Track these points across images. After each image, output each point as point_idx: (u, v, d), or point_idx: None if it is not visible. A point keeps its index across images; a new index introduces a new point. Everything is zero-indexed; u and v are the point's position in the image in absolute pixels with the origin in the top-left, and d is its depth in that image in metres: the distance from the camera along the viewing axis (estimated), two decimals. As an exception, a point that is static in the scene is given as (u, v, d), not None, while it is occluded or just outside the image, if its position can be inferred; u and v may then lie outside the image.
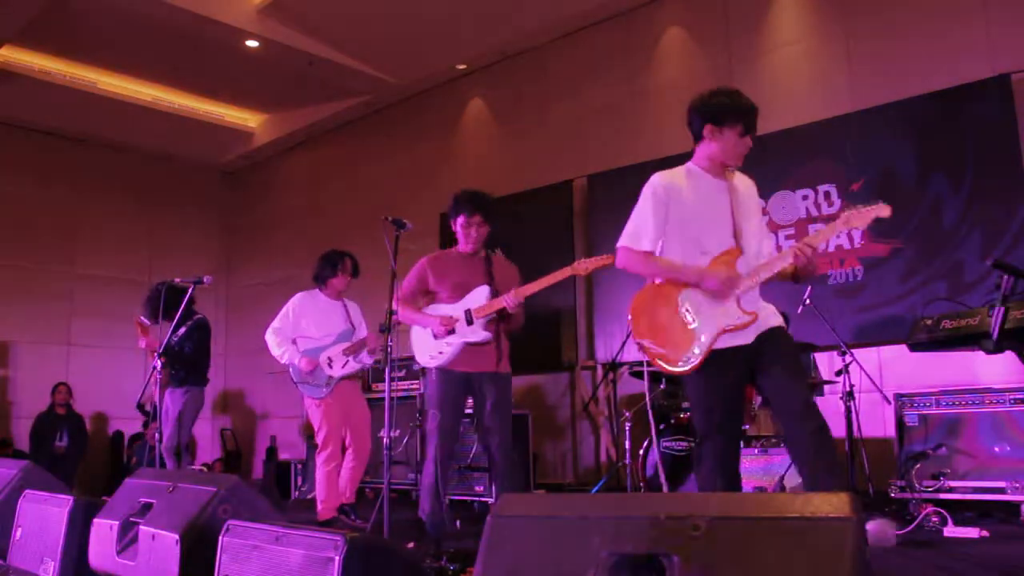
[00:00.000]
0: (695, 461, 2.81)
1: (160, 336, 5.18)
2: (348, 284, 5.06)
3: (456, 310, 3.90)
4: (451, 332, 3.84)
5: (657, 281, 2.87)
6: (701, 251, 2.82)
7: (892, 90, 5.37)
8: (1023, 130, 4.91)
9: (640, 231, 2.86)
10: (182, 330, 5.28)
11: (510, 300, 3.75)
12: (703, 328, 2.73)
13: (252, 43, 7.42)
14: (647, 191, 2.88)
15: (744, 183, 2.96)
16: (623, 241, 2.88)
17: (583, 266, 3.81)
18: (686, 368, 2.72)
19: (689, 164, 2.93)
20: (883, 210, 2.68)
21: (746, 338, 2.74)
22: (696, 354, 2.70)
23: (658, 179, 2.88)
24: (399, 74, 8.11)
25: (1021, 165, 4.84)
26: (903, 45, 5.47)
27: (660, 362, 2.78)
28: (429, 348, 3.92)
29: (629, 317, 2.84)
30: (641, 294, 2.89)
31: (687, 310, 2.76)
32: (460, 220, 3.95)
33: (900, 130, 5.30)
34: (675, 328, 2.76)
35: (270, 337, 4.93)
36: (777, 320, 2.83)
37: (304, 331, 4.92)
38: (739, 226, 2.86)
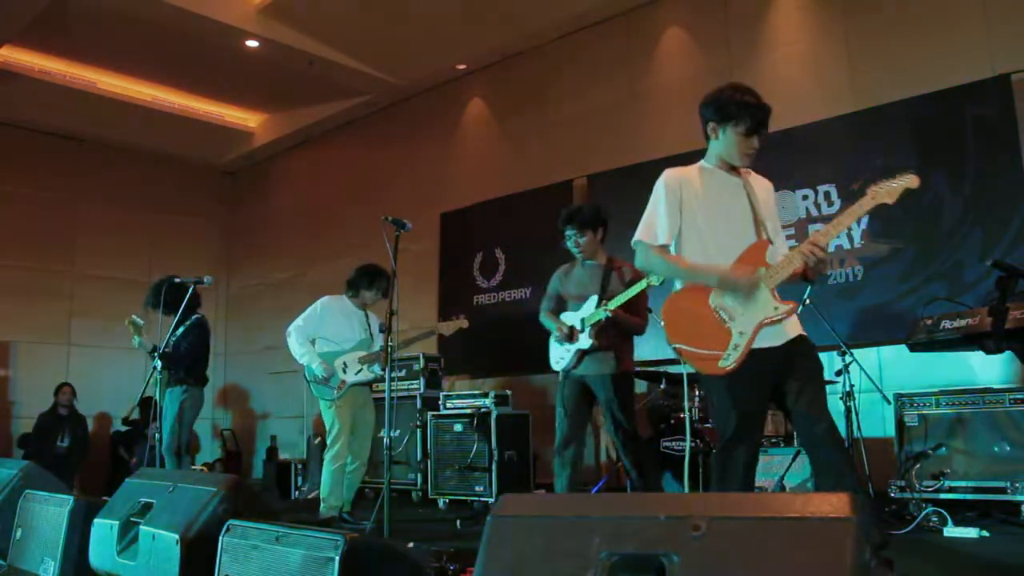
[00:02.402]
0: (717, 466, 2.68)
1: (158, 335, 5.20)
2: (376, 301, 5.19)
3: (575, 318, 4.21)
4: (570, 339, 4.16)
5: (679, 284, 2.80)
6: (718, 249, 2.73)
7: (892, 90, 5.37)
8: (1023, 130, 4.91)
9: (654, 224, 2.79)
10: (180, 329, 5.30)
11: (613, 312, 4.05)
12: (740, 324, 2.63)
13: (252, 43, 7.42)
14: (659, 185, 2.81)
15: (760, 184, 2.88)
16: (638, 235, 2.80)
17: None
18: (727, 367, 2.59)
19: (701, 162, 2.87)
20: (912, 180, 2.56)
21: (776, 339, 2.66)
22: (736, 352, 2.60)
23: (669, 173, 2.82)
24: (399, 74, 8.11)
25: (1021, 165, 4.84)
26: (903, 45, 5.46)
27: (698, 365, 2.68)
28: (555, 354, 4.30)
29: (662, 322, 2.75)
30: (672, 298, 2.80)
31: (721, 308, 2.66)
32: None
33: (900, 130, 5.30)
34: (711, 328, 2.65)
35: (292, 334, 5.02)
36: (801, 328, 2.75)
37: (325, 333, 5.03)
38: (762, 220, 2.77)
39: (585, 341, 4.11)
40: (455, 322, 5.03)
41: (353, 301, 5.15)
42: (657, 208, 2.80)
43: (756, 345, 2.61)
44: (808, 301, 4.59)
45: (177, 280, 5.21)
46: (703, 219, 2.75)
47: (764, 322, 2.62)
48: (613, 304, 4.04)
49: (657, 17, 6.79)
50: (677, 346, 2.70)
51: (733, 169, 2.82)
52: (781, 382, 2.66)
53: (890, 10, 5.56)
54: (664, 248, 2.78)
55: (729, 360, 2.60)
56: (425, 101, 8.53)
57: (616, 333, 4.12)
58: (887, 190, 2.57)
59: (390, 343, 4.17)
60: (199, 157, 10.24)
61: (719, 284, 2.67)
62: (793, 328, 2.70)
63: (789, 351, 2.66)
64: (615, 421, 4.09)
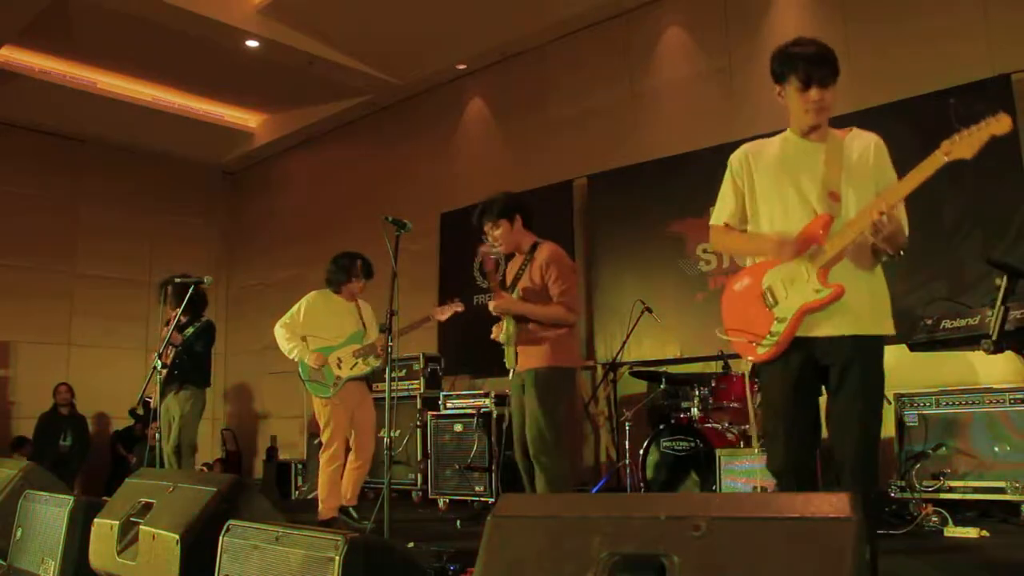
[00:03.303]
0: (769, 467, 2.52)
1: (161, 335, 5.21)
2: (363, 287, 5.08)
3: None
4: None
5: (747, 265, 2.65)
6: (782, 225, 2.50)
7: (892, 90, 5.37)
8: (1023, 130, 4.91)
9: (718, 205, 2.68)
10: (190, 330, 5.31)
11: (492, 304, 3.82)
12: (781, 310, 2.43)
13: (252, 43, 7.42)
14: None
15: (857, 144, 2.56)
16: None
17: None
18: (764, 354, 2.44)
19: (786, 130, 2.64)
20: (1002, 122, 2.20)
21: (822, 329, 2.40)
22: (773, 338, 2.41)
23: (738, 149, 2.67)
24: (399, 74, 8.11)
25: (1021, 165, 4.84)
26: (903, 45, 5.46)
27: (740, 351, 2.57)
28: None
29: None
30: (728, 283, 2.67)
31: (768, 291, 2.48)
32: None
33: (900, 130, 5.28)
34: (756, 314, 2.49)
35: (279, 331, 4.94)
36: (865, 326, 2.43)
37: (315, 330, 4.93)
38: (834, 188, 2.45)
39: (506, 333, 3.82)
40: (450, 306, 4.93)
41: (341, 295, 5.04)
42: (723, 187, 2.69)
43: (805, 333, 2.40)
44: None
45: (178, 280, 5.22)
46: (772, 192, 2.56)
47: (805, 308, 2.39)
48: (516, 291, 3.78)
49: (657, 17, 6.78)
50: (726, 335, 2.59)
51: (814, 131, 2.56)
52: (827, 382, 2.45)
53: (890, 10, 5.56)
54: (723, 227, 2.66)
55: (765, 348, 2.43)
56: (425, 101, 8.53)
57: (544, 324, 3.76)
58: (967, 141, 2.26)
59: (389, 343, 4.16)
60: (199, 157, 10.24)
61: (762, 249, 2.54)
62: (856, 324, 2.42)
63: (839, 348, 2.40)
64: (530, 424, 3.62)
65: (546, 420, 3.58)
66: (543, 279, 3.76)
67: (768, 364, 2.47)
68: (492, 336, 3.92)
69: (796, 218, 2.48)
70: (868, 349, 2.44)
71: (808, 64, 2.50)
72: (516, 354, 3.78)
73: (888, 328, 2.50)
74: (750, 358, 2.55)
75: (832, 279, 2.42)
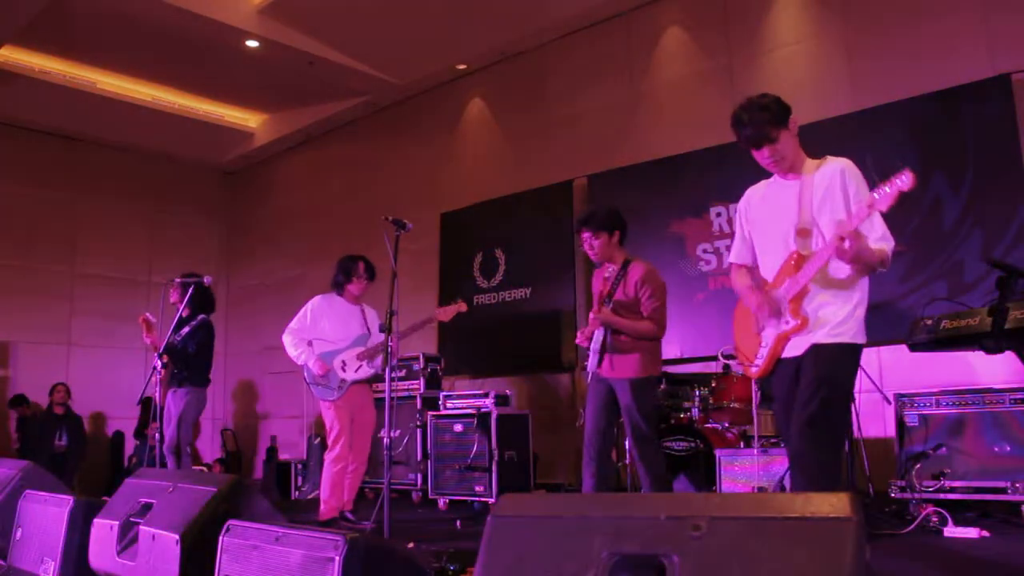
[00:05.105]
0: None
1: (162, 335, 5.22)
2: (365, 289, 5.10)
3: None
4: (590, 340, 4.11)
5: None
6: (766, 264, 2.90)
7: (892, 90, 5.37)
8: (1023, 130, 4.91)
9: (732, 245, 3.07)
10: (185, 329, 5.31)
11: (593, 316, 4.06)
12: (766, 336, 2.81)
13: (252, 43, 7.42)
14: None
15: (824, 174, 2.75)
16: None
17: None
18: (756, 373, 2.85)
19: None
20: (904, 181, 2.44)
21: (797, 349, 2.72)
22: (760, 361, 2.81)
23: (746, 193, 3.01)
24: (399, 74, 8.11)
25: (1021, 165, 4.84)
26: (903, 45, 5.47)
27: (744, 370, 2.99)
28: (591, 355, 4.20)
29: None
30: (737, 304, 3.04)
31: (760, 318, 2.85)
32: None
33: (900, 130, 5.30)
34: (751, 336, 2.89)
35: (287, 338, 4.99)
36: (823, 336, 2.68)
37: (321, 334, 4.97)
38: (807, 224, 2.72)
39: (597, 339, 4.03)
40: (453, 307, 4.99)
41: (344, 298, 5.08)
42: (736, 228, 3.07)
43: (784, 355, 2.77)
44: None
45: (178, 280, 5.24)
46: (757, 235, 2.95)
47: (779, 336, 2.76)
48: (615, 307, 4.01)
49: (657, 17, 6.79)
50: (730, 351, 3.06)
51: (788, 171, 2.81)
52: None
53: (890, 10, 5.56)
54: (736, 266, 3.03)
55: (755, 368, 2.84)
56: (425, 101, 8.53)
57: (622, 338, 4.03)
58: (882, 196, 2.51)
59: (389, 343, 4.17)
60: (199, 157, 10.24)
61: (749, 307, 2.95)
62: (816, 337, 2.69)
63: (805, 363, 2.71)
64: (633, 427, 3.95)
65: (645, 421, 3.95)
66: (636, 294, 4.00)
67: (767, 381, 2.88)
68: (577, 341, 4.18)
69: (778, 254, 2.81)
70: (817, 358, 2.68)
71: (740, 134, 2.77)
72: (604, 359, 4.02)
73: (844, 337, 2.70)
74: (747, 374, 2.97)
75: (809, 303, 2.72)
